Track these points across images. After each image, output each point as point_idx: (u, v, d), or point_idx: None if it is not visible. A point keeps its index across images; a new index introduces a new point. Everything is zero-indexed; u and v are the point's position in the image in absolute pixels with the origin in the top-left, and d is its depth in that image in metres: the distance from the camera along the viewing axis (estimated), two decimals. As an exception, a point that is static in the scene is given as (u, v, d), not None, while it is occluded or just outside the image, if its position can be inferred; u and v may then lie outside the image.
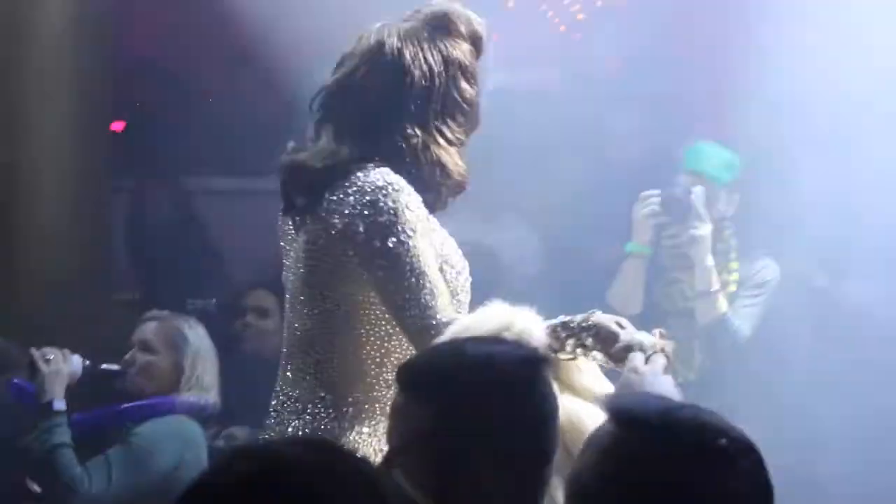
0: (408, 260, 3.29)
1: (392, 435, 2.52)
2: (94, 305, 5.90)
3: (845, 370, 5.38)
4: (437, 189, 3.45)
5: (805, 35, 6.23)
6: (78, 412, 4.79)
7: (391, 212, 3.29)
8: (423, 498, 2.33)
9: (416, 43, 3.41)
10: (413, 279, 3.28)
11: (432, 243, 3.39)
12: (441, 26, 3.45)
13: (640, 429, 1.95)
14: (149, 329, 4.83)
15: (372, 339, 3.41)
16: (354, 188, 3.32)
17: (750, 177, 5.71)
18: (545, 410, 2.48)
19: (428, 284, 3.29)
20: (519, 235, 6.48)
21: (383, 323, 3.40)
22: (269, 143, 7.01)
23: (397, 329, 3.37)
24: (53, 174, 6.14)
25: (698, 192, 5.38)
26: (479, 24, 3.50)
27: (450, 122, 3.43)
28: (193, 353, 4.81)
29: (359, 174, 3.32)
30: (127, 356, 4.78)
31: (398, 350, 3.41)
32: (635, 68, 7.53)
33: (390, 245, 3.28)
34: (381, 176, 3.32)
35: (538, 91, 8.09)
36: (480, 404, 2.43)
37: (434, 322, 3.26)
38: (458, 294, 3.45)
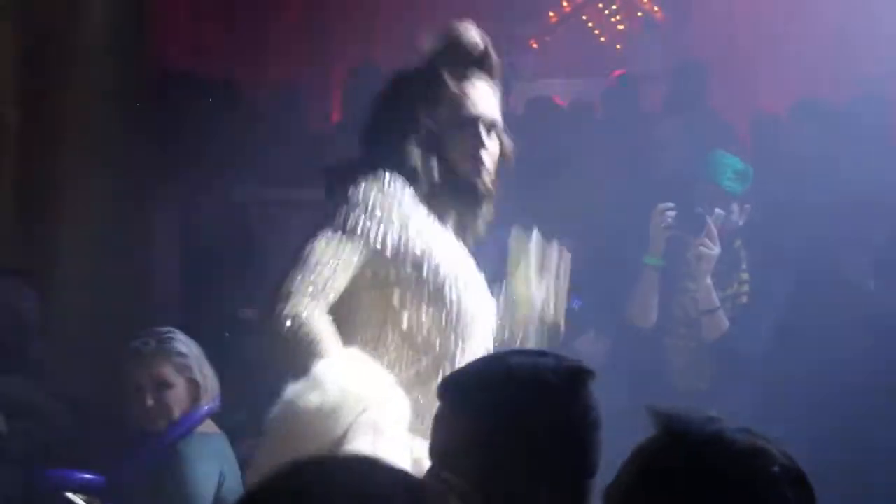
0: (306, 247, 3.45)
1: (435, 447, 2.51)
2: (136, 316, 5.92)
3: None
4: (438, 190, 3.55)
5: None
6: (103, 472, 4.75)
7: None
8: (467, 510, 2.32)
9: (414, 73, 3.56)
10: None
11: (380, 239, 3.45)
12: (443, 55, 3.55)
13: (691, 443, 1.91)
14: (158, 366, 4.70)
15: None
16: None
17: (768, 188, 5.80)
18: (588, 423, 2.47)
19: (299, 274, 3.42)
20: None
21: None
22: (313, 153, 7.13)
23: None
24: (96, 184, 6.17)
25: (718, 213, 5.50)
26: (477, 46, 3.55)
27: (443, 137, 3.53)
28: (198, 363, 4.75)
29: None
30: (149, 402, 4.68)
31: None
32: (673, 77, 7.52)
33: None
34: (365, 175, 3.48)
35: (580, 101, 8.09)
36: (524, 416, 2.43)
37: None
38: (431, 292, 3.51)
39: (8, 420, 5.03)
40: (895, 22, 7.28)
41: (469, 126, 3.53)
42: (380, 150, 3.52)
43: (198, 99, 7.18)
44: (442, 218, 3.62)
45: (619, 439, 2.59)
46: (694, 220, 5.45)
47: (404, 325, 3.52)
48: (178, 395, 4.70)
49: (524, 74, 9.25)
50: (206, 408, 4.75)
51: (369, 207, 3.46)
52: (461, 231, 3.70)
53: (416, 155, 3.51)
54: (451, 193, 3.57)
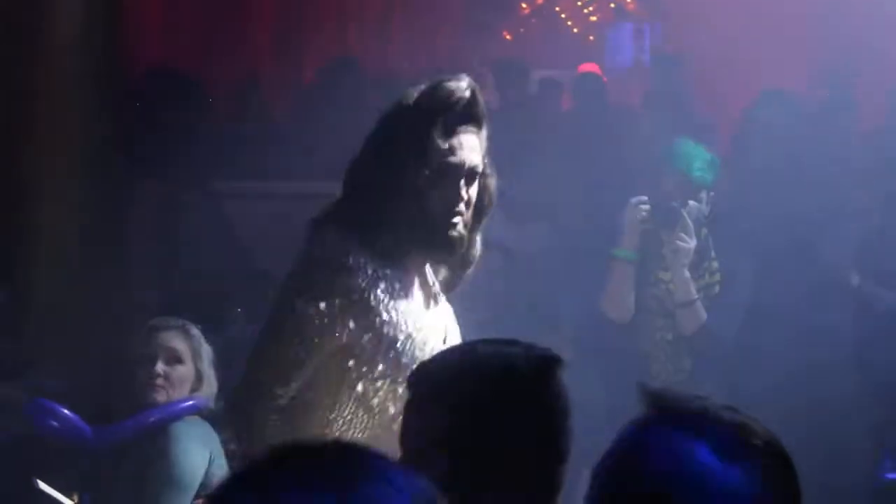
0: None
1: (405, 436, 2.52)
2: (114, 309, 5.92)
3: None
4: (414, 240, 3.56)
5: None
6: (101, 426, 4.83)
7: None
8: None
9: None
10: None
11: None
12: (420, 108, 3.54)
13: (677, 421, 1.93)
14: (174, 339, 4.83)
15: None
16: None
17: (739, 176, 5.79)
18: (558, 410, 2.48)
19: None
20: (541, 237, 6.50)
21: None
22: (292, 145, 7.14)
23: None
24: (75, 182, 6.16)
25: (692, 206, 5.46)
26: (466, 100, 3.54)
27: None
28: (208, 358, 4.86)
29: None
30: (158, 370, 4.77)
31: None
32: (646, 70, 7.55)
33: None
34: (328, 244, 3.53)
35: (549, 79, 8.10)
36: (494, 405, 2.43)
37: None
38: (387, 365, 3.54)
39: None
40: (873, 14, 7.32)
41: (448, 176, 3.53)
42: (360, 209, 3.52)
43: (171, 93, 7.17)
44: (418, 268, 3.65)
45: (596, 429, 2.62)
46: (669, 213, 5.41)
47: (359, 390, 3.55)
48: (184, 375, 4.80)
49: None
50: (203, 401, 4.82)
51: (335, 292, 3.47)
52: (444, 275, 3.74)
53: (395, 218, 3.51)
54: (426, 242, 3.58)
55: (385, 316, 3.52)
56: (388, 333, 3.53)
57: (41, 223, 6.12)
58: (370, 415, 3.55)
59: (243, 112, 7.62)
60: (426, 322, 3.62)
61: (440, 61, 8.73)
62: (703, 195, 5.55)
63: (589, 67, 8.24)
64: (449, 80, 3.54)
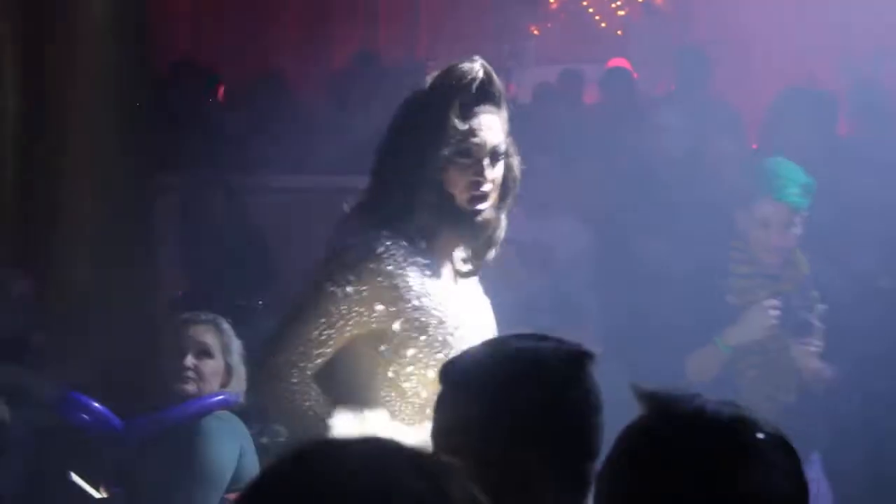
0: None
1: (437, 431, 2.51)
2: (139, 305, 5.94)
3: None
4: (442, 225, 3.57)
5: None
6: (130, 417, 4.85)
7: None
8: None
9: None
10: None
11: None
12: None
13: (675, 418, 1.94)
14: (205, 334, 4.86)
15: None
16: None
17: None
18: (589, 406, 2.47)
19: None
20: (572, 234, 6.48)
21: None
22: (315, 140, 7.14)
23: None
24: (97, 173, 6.18)
25: (821, 308, 5.05)
26: (480, 80, 3.53)
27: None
28: (238, 353, 4.88)
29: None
30: (188, 362, 4.79)
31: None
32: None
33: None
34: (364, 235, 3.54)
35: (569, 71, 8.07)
36: (525, 400, 2.42)
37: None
38: (419, 349, 3.55)
39: (8, 408, 5.06)
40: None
41: (469, 157, 3.53)
42: (387, 197, 3.53)
43: (199, 88, 7.19)
44: (448, 253, 3.65)
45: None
46: (803, 326, 4.96)
47: (391, 374, 3.56)
48: (214, 369, 4.83)
49: (525, 61, 9.27)
50: (233, 395, 4.84)
51: (363, 278, 3.49)
52: (474, 259, 3.72)
53: (421, 203, 3.52)
54: (454, 226, 3.58)
55: (416, 302, 3.54)
56: (418, 318, 3.54)
57: (68, 215, 6.12)
58: (403, 399, 3.55)
59: (268, 105, 7.62)
60: (457, 307, 3.62)
61: (465, 54, 8.71)
62: (798, 219, 5.01)
63: (618, 62, 8.23)
64: (462, 61, 3.54)
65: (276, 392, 3.55)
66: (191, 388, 4.78)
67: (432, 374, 3.47)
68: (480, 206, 3.56)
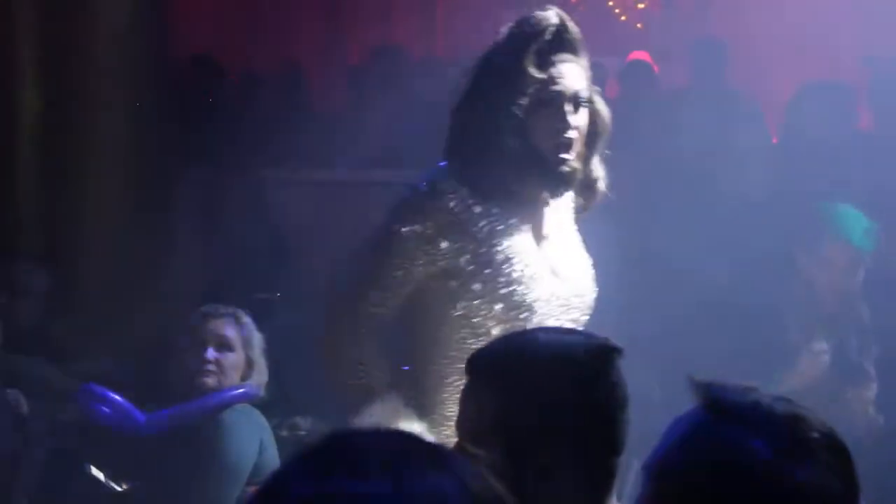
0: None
1: (463, 422, 2.51)
2: (160, 298, 5.94)
3: None
4: (526, 176, 3.53)
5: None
6: (154, 411, 4.86)
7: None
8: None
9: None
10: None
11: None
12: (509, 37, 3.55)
13: (729, 414, 1.92)
14: (225, 327, 4.85)
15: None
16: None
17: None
18: (616, 400, 2.46)
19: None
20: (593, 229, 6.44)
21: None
22: (335, 134, 7.13)
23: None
24: (118, 167, 6.19)
25: (874, 351, 5.06)
26: (555, 26, 3.51)
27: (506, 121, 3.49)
28: (258, 346, 4.88)
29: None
30: (209, 355, 4.79)
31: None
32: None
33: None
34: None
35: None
36: (551, 393, 2.42)
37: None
38: (504, 281, 3.53)
39: (29, 401, 5.07)
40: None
41: (551, 105, 3.48)
42: (465, 148, 3.52)
43: (219, 82, 7.20)
44: (529, 204, 3.60)
45: (649, 422, 2.60)
46: (856, 372, 4.98)
47: (461, 310, 3.56)
48: (235, 363, 4.82)
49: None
50: (254, 389, 4.84)
51: (428, 216, 3.50)
52: (581, 210, 3.71)
53: (503, 154, 3.49)
54: (537, 177, 3.53)
55: (480, 236, 3.52)
56: (483, 253, 3.51)
57: (89, 207, 6.14)
58: (476, 337, 3.53)
59: (289, 99, 7.62)
60: (531, 254, 3.58)
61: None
62: (865, 261, 5.08)
63: (639, 55, 8.20)
64: (536, 10, 3.52)
65: (336, 339, 3.57)
66: (211, 381, 4.77)
67: (499, 307, 3.50)
68: (565, 155, 3.51)
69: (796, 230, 5.18)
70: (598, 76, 8.44)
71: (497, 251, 3.52)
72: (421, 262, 3.52)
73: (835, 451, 1.92)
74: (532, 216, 3.61)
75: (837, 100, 6.20)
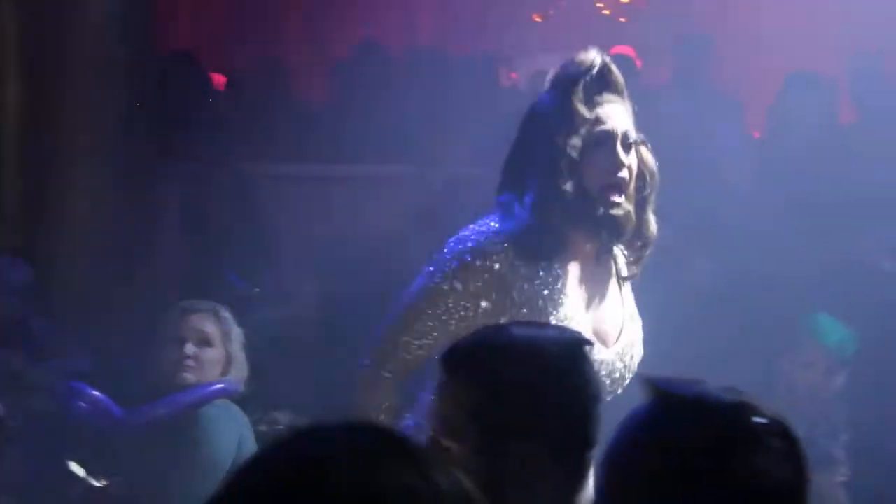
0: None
1: (437, 416, 2.52)
2: (139, 293, 5.94)
3: None
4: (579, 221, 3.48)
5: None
6: (133, 407, 4.85)
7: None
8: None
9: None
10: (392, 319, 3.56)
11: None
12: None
13: (676, 405, 1.96)
14: (204, 322, 4.86)
15: None
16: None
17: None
18: (588, 395, 2.48)
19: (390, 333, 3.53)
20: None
21: None
22: (316, 129, 7.13)
23: None
24: (99, 162, 6.18)
25: (840, 437, 5.23)
26: (584, 62, 3.47)
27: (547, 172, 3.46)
28: (238, 341, 4.87)
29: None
30: (188, 351, 4.79)
31: None
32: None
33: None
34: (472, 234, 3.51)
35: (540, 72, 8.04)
36: (525, 387, 2.43)
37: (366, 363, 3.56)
38: None
39: (9, 397, 5.06)
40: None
41: (604, 145, 3.44)
42: (515, 193, 3.48)
43: (200, 78, 7.18)
44: (578, 257, 3.53)
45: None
46: (822, 454, 5.01)
47: None
48: (214, 357, 4.82)
49: (528, 49, 9.25)
50: (233, 384, 4.84)
51: (471, 275, 3.45)
52: (633, 264, 3.63)
53: (554, 199, 3.44)
54: (587, 221, 3.47)
55: (521, 300, 3.44)
56: (525, 316, 3.43)
57: (69, 203, 6.13)
58: None
59: (271, 94, 7.61)
60: (580, 314, 3.50)
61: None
62: (842, 368, 5.33)
63: (622, 50, 8.20)
64: (577, 53, 3.49)
65: (367, 379, 3.55)
66: (190, 376, 4.77)
67: None
68: (616, 198, 3.44)
69: (777, 338, 5.43)
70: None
71: (539, 314, 3.45)
72: (457, 318, 3.47)
73: (783, 438, 1.95)
74: (582, 277, 3.53)
75: (819, 93, 6.21)
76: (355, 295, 5.83)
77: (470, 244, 3.46)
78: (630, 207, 3.47)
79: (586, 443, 2.44)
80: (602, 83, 3.47)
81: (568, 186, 3.41)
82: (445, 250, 3.51)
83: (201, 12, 8.22)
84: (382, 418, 3.50)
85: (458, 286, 3.44)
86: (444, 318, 3.47)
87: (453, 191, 6.58)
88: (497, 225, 3.47)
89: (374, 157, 7.00)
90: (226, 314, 4.88)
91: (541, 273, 3.45)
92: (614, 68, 3.50)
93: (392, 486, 1.47)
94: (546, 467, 2.41)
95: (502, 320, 3.39)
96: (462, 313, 3.45)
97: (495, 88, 7.87)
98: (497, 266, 3.43)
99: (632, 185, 3.48)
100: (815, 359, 5.30)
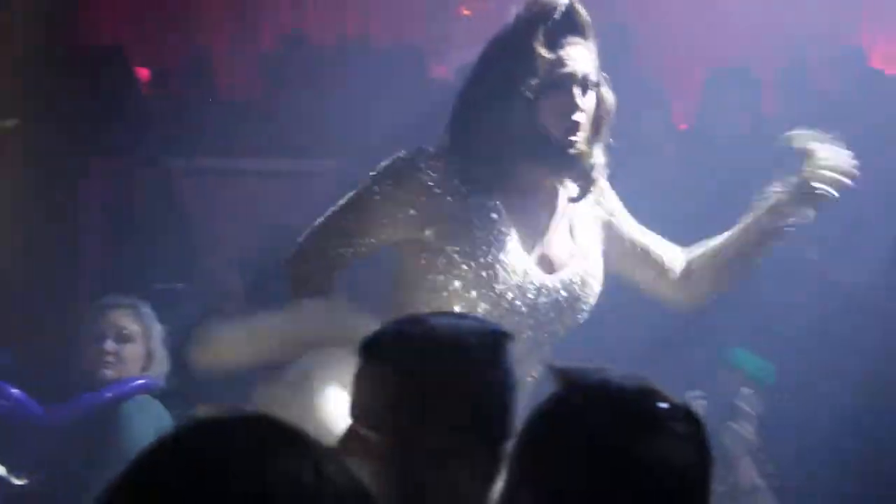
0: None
1: (355, 405, 2.50)
2: (60, 290, 5.89)
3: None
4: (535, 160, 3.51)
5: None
6: (53, 404, 4.81)
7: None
8: (379, 470, 2.34)
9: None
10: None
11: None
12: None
13: (580, 391, 1.98)
14: (125, 318, 4.85)
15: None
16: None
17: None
18: (507, 386, 2.47)
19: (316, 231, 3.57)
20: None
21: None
22: (241, 122, 7.08)
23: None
24: (19, 157, 6.12)
25: (746, 393, 5.36)
26: (550, 4, 3.51)
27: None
28: (158, 337, 4.88)
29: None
30: (109, 347, 4.74)
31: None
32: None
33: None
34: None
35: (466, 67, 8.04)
36: (442, 377, 2.43)
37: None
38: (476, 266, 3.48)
39: None
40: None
41: (561, 87, 3.48)
42: (467, 132, 3.51)
43: (123, 70, 7.13)
44: (533, 190, 3.56)
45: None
46: (731, 410, 5.28)
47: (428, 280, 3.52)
48: (134, 353, 4.83)
49: (457, 42, 9.22)
50: (154, 380, 4.85)
51: (402, 183, 3.48)
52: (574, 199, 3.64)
53: (511, 137, 3.47)
54: (546, 159, 3.51)
55: (449, 213, 3.48)
56: (454, 231, 3.47)
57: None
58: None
59: (197, 89, 7.56)
60: (522, 252, 3.52)
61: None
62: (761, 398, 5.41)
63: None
64: None
65: (298, 277, 3.58)
66: (110, 372, 4.77)
67: (463, 287, 3.45)
68: (573, 138, 3.49)
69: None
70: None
71: (472, 232, 3.48)
72: (386, 221, 3.49)
73: (685, 422, 1.97)
74: (527, 207, 3.56)
75: (741, 87, 6.26)
76: (281, 289, 5.81)
77: (403, 154, 3.50)
78: (585, 147, 3.51)
79: (503, 433, 2.43)
80: (566, 25, 3.50)
81: (523, 125, 3.44)
82: (381, 167, 3.53)
83: (126, 6, 8.13)
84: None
85: (388, 190, 3.47)
86: (372, 217, 3.49)
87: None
88: (440, 155, 3.50)
89: (302, 150, 6.97)
90: (146, 310, 4.88)
91: (478, 198, 3.48)
92: (580, 9, 3.54)
93: (283, 483, 1.47)
94: (462, 457, 2.40)
95: (427, 232, 3.45)
96: (391, 217, 3.48)
97: (424, 81, 7.86)
98: (433, 174, 3.47)
99: (588, 127, 3.52)
100: (732, 389, 5.36)
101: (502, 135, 3.46)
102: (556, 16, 3.48)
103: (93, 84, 6.83)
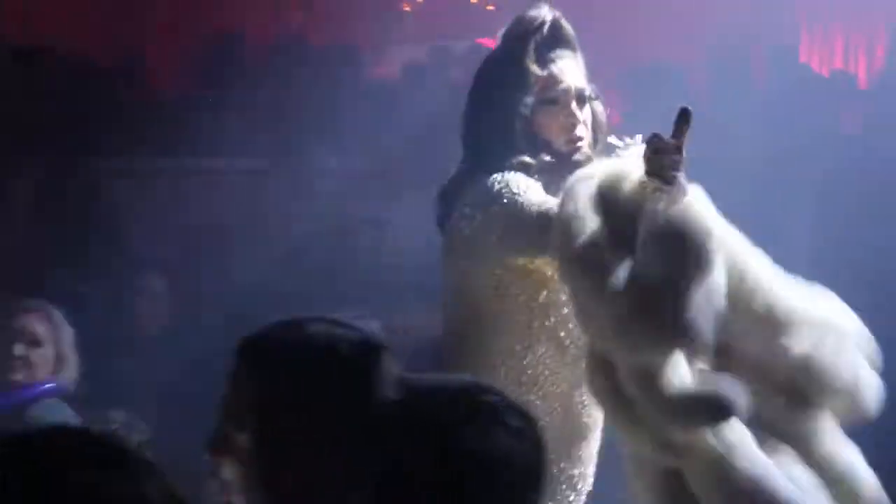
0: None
1: (226, 406, 2.47)
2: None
3: None
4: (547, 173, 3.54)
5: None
6: None
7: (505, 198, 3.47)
8: (245, 471, 2.36)
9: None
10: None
11: None
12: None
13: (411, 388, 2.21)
14: (34, 321, 4.83)
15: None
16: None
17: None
18: (374, 398, 2.41)
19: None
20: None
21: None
22: (172, 123, 7.04)
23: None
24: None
25: None
26: (535, 19, 3.55)
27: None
28: (69, 340, 4.85)
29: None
30: (17, 351, 4.74)
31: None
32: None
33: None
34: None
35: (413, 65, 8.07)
36: (309, 385, 2.40)
37: None
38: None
39: None
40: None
41: (558, 102, 3.55)
42: (489, 152, 3.53)
43: (54, 70, 7.09)
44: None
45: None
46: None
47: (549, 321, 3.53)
48: (44, 357, 4.79)
49: (397, 38, 9.21)
50: (63, 383, 4.82)
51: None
52: None
53: (521, 146, 3.52)
54: (558, 173, 3.50)
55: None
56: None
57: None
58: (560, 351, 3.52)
59: (128, 88, 7.52)
60: None
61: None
62: None
63: (483, 41, 8.19)
64: (528, 9, 3.57)
65: None
66: (19, 376, 4.74)
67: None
68: (578, 146, 3.55)
69: None
70: (441, 62, 8.44)
71: None
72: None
73: (513, 414, 2.08)
74: None
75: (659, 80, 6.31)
76: (205, 291, 5.80)
77: (488, 188, 3.46)
78: (588, 159, 3.54)
79: (366, 443, 2.39)
80: (553, 39, 3.55)
81: (530, 142, 3.51)
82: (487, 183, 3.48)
83: (56, 3, 8.07)
84: None
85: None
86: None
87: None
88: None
89: (235, 150, 6.94)
90: (56, 313, 4.85)
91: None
92: (565, 23, 3.58)
93: (97, 496, 1.47)
94: (323, 464, 2.37)
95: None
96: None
97: (362, 79, 7.84)
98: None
99: (589, 138, 3.59)
100: None
101: (510, 151, 3.51)
102: (543, 31, 3.53)
103: (24, 82, 6.79)
